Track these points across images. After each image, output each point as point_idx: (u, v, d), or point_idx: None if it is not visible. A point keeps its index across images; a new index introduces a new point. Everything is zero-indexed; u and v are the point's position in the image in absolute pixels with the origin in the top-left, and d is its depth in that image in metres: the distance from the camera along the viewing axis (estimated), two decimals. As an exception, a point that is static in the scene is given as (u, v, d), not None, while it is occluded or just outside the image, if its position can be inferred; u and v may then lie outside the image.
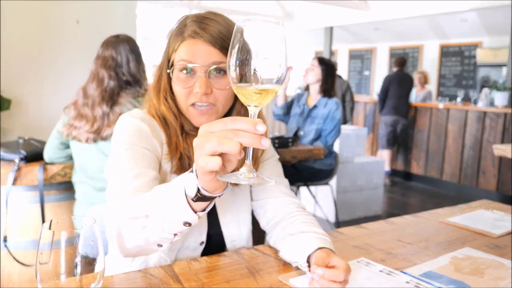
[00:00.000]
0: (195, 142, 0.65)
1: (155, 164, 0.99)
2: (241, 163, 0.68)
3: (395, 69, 5.82)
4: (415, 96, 6.44)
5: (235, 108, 1.04)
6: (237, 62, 0.63)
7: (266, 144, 0.61)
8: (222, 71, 0.96)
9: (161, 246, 0.83)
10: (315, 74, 3.28)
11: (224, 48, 0.95)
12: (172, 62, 0.99)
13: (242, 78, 0.63)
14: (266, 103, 0.66)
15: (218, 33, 0.95)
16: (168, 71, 1.00)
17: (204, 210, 0.76)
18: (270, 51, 0.63)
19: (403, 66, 5.77)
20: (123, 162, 0.95)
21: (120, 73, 1.92)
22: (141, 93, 1.94)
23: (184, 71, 0.96)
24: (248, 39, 0.62)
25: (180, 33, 0.97)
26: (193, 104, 0.98)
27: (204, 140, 0.63)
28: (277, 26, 0.63)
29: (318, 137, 3.23)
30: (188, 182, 0.72)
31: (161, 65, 1.03)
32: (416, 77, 6.40)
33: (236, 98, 1.01)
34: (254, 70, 0.62)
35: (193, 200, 0.72)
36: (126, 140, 0.99)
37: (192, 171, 0.72)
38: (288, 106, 3.45)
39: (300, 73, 3.49)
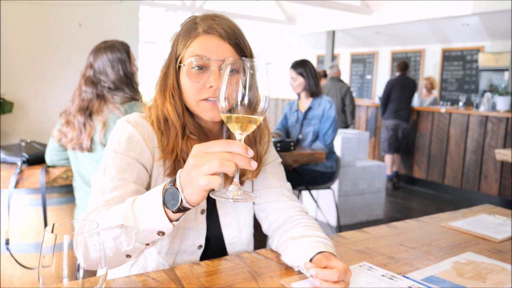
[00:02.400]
0: (192, 160, 0.71)
1: (139, 176, 0.97)
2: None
3: (397, 73, 5.81)
4: (421, 101, 6.44)
5: None
6: (226, 94, 0.72)
7: (254, 166, 0.70)
8: (234, 70, 0.96)
9: (130, 256, 0.85)
10: (300, 84, 3.25)
11: (236, 45, 0.97)
12: (181, 58, 0.98)
13: (230, 108, 0.72)
14: (250, 131, 0.75)
15: (231, 30, 0.97)
16: (181, 64, 0.98)
17: (178, 219, 0.79)
18: (255, 85, 0.71)
19: (405, 70, 5.77)
20: (107, 169, 0.95)
21: (101, 81, 1.90)
22: (132, 98, 1.93)
23: (197, 67, 0.96)
24: (237, 74, 0.72)
25: (192, 29, 0.97)
26: (204, 99, 0.97)
27: (203, 160, 0.69)
28: (262, 62, 0.71)
29: (316, 138, 3.23)
30: (169, 194, 0.76)
31: (167, 63, 1.02)
32: (423, 83, 6.42)
33: None
34: (240, 102, 0.71)
35: (173, 212, 0.76)
36: (115, 147, 0.98)
37: (171, 185, 0.76)
38: (285, 126, 3.45)
39: (288, 87, 3.44)
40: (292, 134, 3.34)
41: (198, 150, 0.71)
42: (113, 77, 1.90)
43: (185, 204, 0.75)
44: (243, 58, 0.74)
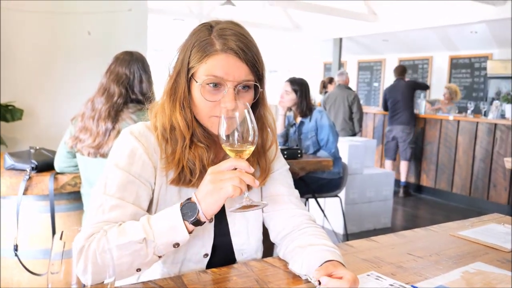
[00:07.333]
0: (211, 177, 0.87)
1: (138, 194, 0.97)
2: None
3: (395, 78, 5.84)
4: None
5: None
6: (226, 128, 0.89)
7: (257, 183, 0.88)
8: (247, 87, 0.97)
9: (140, 270, 0.90)
10: (291, 99, 3.21)
11: (252, 65, 0.96)
12: (195, 72, 0.96)
13: (228, 138, 0.89)
14: (245, 158, 0.91)
15: (248, 49, 0.95)
16: (194, 78, 0.97)
17: (192, 232, 0.90)
18: (245, 123, 0.89)
19: (402, 74, 5.78)
20: (107, 184, 0.96)
21: (131, 91, 1.93)
22: (144, 108, 1.95)
23: (212, 85, 0.95)
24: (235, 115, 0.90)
25: (209, 44, 0.95)
26: (216, 115, 0.96)
27: (223, 175, 0.86)
28: (248, 108, 0.90)
29: (317, 149, 3.22)
30: (186, 208, 0.89)
31: (177, 71, 0.99)
32: (444, 91, 6.38)
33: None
34: (237, 135, 0.89)
35: (191, 223, 0.88)
36: (118, 160, 0.98)
37: (187, 201, 0.89)
38: (287, 132, 3.43)
39: (277, 98, 3.36)
40: (290, 144, 3.33)
41: (213, 169, 0.88)
42: (146, 89, 1.95)
43: (201, 215, 0.88)
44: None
